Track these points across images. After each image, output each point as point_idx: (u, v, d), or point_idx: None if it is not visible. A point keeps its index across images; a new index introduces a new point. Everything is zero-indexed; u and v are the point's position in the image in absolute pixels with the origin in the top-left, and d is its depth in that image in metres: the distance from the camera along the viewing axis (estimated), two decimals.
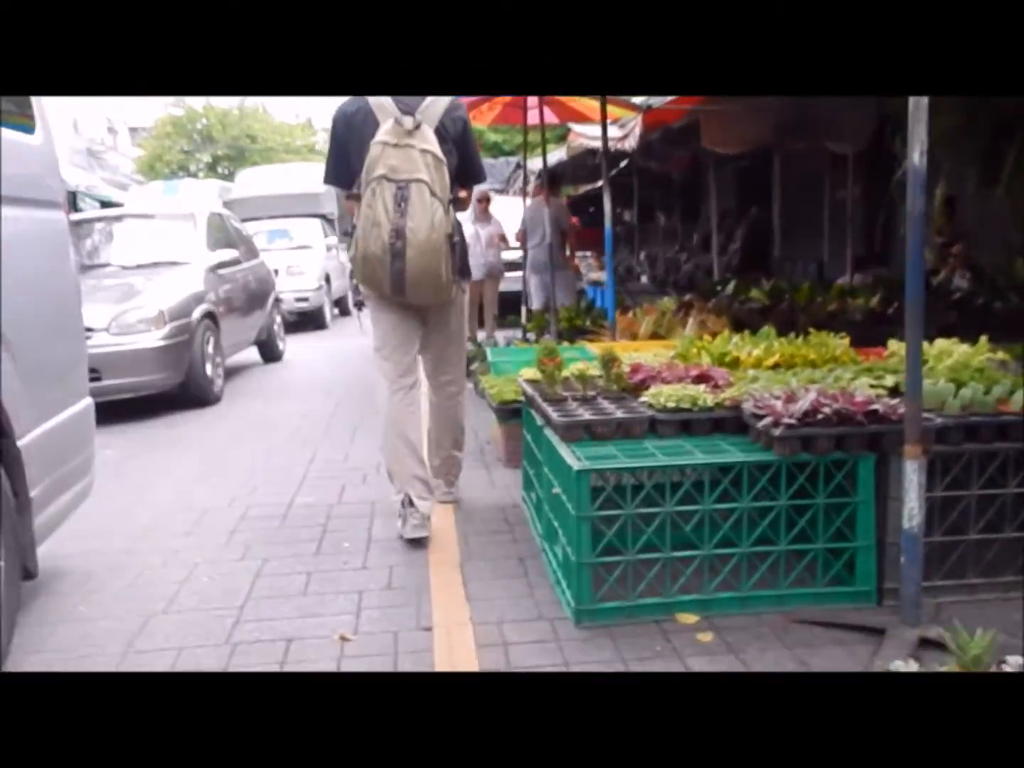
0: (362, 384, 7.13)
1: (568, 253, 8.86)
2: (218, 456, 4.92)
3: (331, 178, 3.34)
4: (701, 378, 3.04)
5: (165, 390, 6.07)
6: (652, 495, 2.55)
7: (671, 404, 2.81)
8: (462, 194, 3.35)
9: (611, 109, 8.63)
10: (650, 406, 2.87)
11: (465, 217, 8.91)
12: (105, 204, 14.91)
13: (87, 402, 3.16)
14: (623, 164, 12.89)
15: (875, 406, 2.56)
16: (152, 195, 17.59)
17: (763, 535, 2.58)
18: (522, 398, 3.76)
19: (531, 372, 3.73)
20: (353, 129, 3.15)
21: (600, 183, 12.87)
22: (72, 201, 15.66)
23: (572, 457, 2.63)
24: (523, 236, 8.50)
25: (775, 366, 3.32)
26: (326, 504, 3.91)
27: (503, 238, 8.83)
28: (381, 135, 3.03)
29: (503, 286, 9.29)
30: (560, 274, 9.08)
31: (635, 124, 9.17)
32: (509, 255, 10.34)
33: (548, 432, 3.00)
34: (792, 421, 2.52)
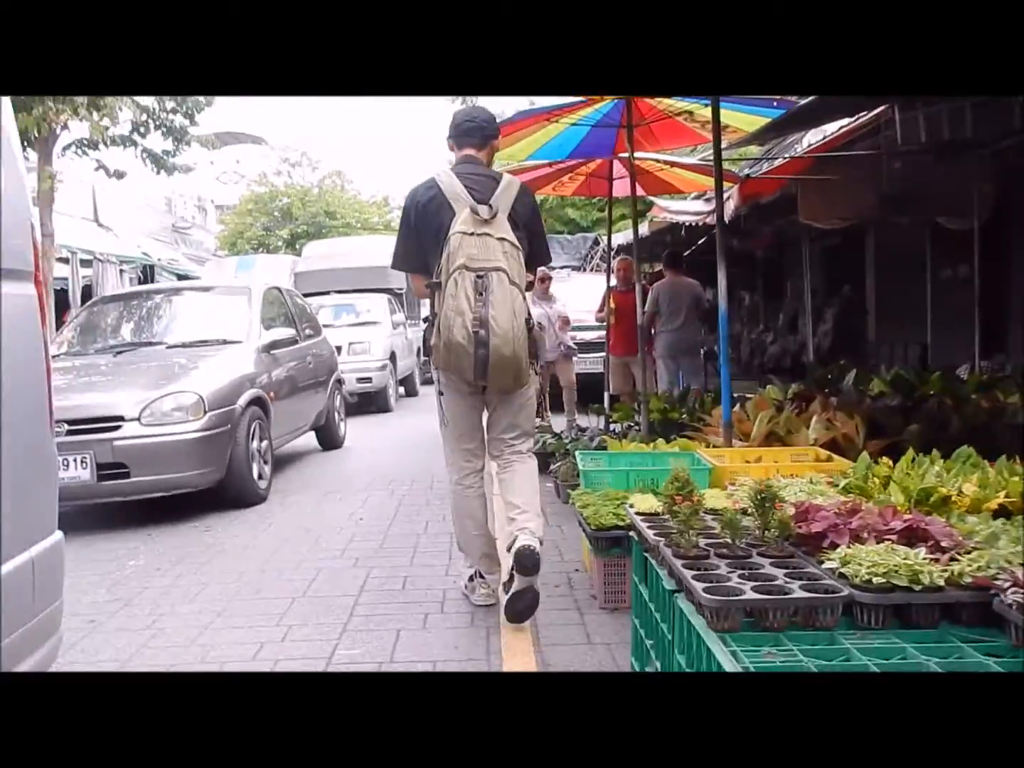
0: (428, 476, 6.31)
1: None
2: (252, 578, 4.08)
3: (400, 263, 3.41)
4: (911, 533, 2.07)
5: (203, 488, 5.31)
6: None
7: (877, 579, 1.86)
8: (530, 278, 3.34)
9: (699, 179, 7.89)
10: (841, 577, 1.93)
11: (529, 298, 8.35)
12: (181, 278, 14.74)
13: (56, 538, 2.37)
14: (701, 241, 12.22)
15: None
16: (227, 270, 17.53)
17: None
18: (625, 523, 2.93)
19: (644, 501, 2.83)
20: (427, 217, 3.19)
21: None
22: (151, 274, 15.49)
23: (730, 662, 1.70)
24: (651, 317, 7.84)
25: (999, 510, 2.34)
26: (375, 661, 3.02)
27: (567, 320, 8.31)
28: (459, 225, 3.07)
29: (578, 368, 8.65)
30: (692, 360, 8.19)
31: (730, 196, 8.43)
32: (586, 335, 9.55)
33: (683, 603, 2.08)
34: None
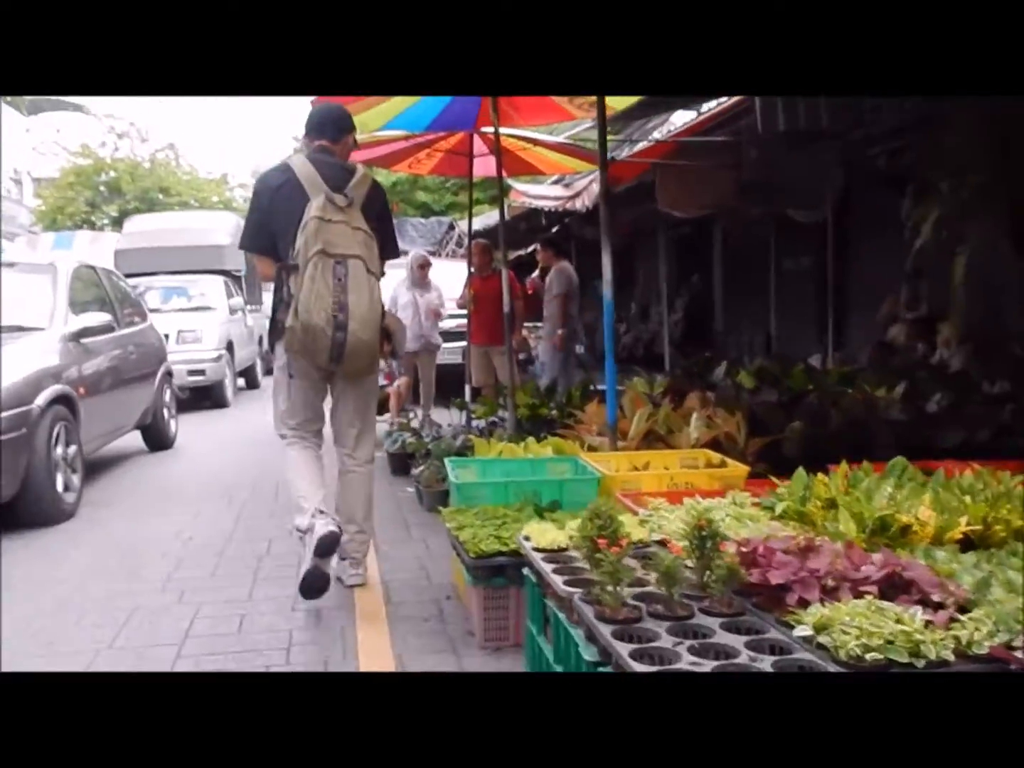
0: (272, 480, 5.57)
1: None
2: (43, 627, 3.28)
3: (248, 244, 3.42)
4: (889, 581, 1.66)
5: None
6: None
7: (872, 654, 1.42)
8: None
9: (565, 161, 7.48)
10: (819, 647, 1.49)
11: (400, 283, 7.57)
12: None
13: None
14: (555, 229, 11.92)
15: None
16: (40, 248, 15.71)
17: None
18: (509, 548, 2.65)
19: (543, 533, 2.32)
20: (279, 200, 3.21)
21: (533, 248, 11.78)
22: None
23: None
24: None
25: (964, 541, 1.98)
26: None
27: (438, 313, 7.73)
28: (315, 210, 3.10)
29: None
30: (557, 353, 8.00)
31: (592, 180, 8.12)
32: (447, 324, 8.96)
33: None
34: None
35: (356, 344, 3.14)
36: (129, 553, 4.18)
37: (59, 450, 4.81)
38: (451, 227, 13.70)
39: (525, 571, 2.39)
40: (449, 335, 8.95)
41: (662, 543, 2.10)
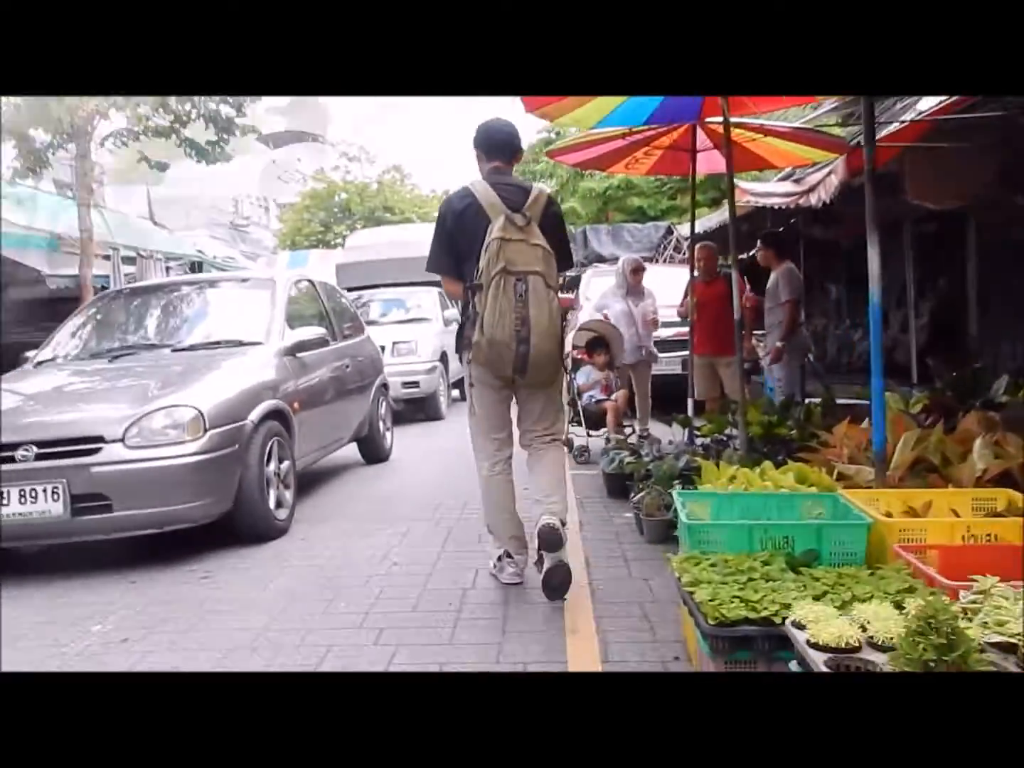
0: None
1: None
2: (239, 659, 3.08)
3: (435, 267, 3.59)
4: None
5: (203, 523, 4.36)
6: None
7: None
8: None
9: (800, 151, 6.63)
10: None
11: (610, 290, 7.31)
12: None
13: None
14: (781, 229, 10.81)
15: None
16: (278, 267, 16.74)
17: None
18: (759, 614, 2.17)
19: (825, 625, 1.74)
20: (463, 223, 3.40)
21: (754, 251, 10.72)
22: (199, 271, 14.62)
23: None
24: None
25: None
26: None
27: (655, 322, 7.28)
28: (496, 231, 3.28)
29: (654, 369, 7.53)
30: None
31: (832, 170, 7.15)
32: (664, 332, 8.24)
33: None
34: None
35: (538, 356, 3.35)
36: (334, 577, 3.97)
37: (272, 465, 4.73)
38: (668, 231, 13.03)
39: (793, 666, 1.81)
40: (666, 344, 8.32)
41: (1006, 648, 1.46)
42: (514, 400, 3.66)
